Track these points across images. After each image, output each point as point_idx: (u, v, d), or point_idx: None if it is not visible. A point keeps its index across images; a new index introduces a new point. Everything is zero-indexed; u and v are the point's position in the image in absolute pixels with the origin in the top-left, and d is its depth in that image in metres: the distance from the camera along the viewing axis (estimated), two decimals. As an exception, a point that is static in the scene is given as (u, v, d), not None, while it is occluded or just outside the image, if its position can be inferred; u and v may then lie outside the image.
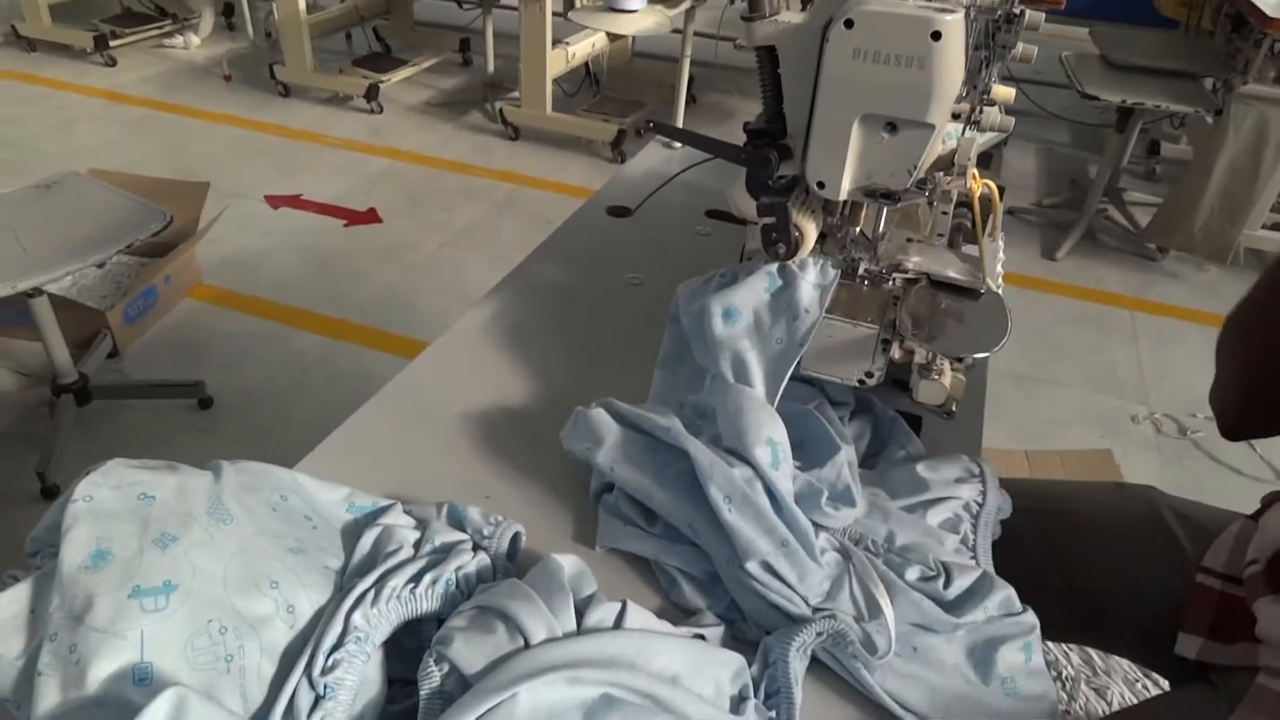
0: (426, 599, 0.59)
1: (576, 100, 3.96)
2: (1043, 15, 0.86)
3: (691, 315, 0.81)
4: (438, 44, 4.47)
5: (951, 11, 0.61)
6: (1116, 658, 1.66)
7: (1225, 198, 2.77)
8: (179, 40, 4.54)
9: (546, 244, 1.15)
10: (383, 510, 0.68)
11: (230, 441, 2.12)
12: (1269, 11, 2.56)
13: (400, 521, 0.66)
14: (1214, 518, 0.91)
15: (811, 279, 0.76)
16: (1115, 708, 1.58)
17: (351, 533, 0.65)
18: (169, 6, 4.58)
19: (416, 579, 0.60)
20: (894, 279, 0.79)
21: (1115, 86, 2.86)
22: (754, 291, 0.77)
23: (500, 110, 3.72)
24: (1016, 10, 0.81)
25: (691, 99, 4.14)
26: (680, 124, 3.53)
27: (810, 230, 0.75)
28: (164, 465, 0.61)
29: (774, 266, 0.78)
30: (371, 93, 3.86)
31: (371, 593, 0.58)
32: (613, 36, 3.66)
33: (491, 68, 4.06)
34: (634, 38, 4.25)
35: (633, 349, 0.94)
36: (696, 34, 3.59)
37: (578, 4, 3.92)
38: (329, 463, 0.79)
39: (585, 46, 3.60)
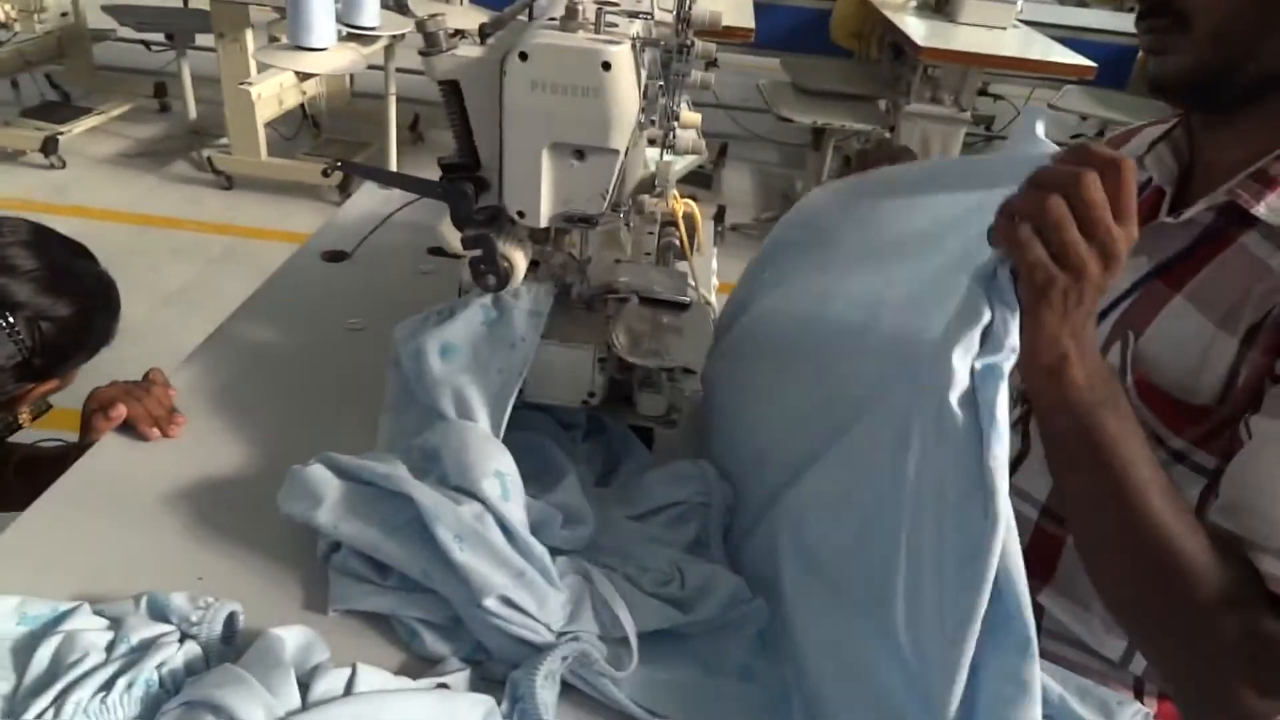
0: (121, 707, 0.52)
1: (296, 144, 3.76)
2: (715, 47, 0.93)
3: (410, 356, 0.78)
4: (127, 89, 4.07)
5: (618, 43, 0.65)
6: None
7: (907, 202, 3.16)
8: None
9: (254, 298, 1.08)
10: (65, 615, 0.59)
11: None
12: (919, 41, 2.96)
13: (87, 625, 0.58)
14: None
15: (525, 306, 0.77)
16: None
17: (26, 648, 0.57)
18: None
19: (108, 686, 0.53)
20: (606, 300, 0.82)
21: (806, 109, 3.17)
22: (469, 325, 0.76)
23: (209, 158, 3.45)
24: (688, 42, 0.87)
25: (419, 137, 4.09)
26: (395, 163, 3.44)
27: (519, 259, 0.76)
28: None
29: (488, 298, 0.77)
30: (49, 146, 3.44)
31: (50, 712, 0.50)
32: (303, 76, 3.48)
33: (194, 113, 3.76)
34: (351, 77, 4.11)
35: (358, 397, 0.90)
36: (414, 71, 3.54)
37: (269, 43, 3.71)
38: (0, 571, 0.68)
39: (273, 86, 3.37)
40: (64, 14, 3.82)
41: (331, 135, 3.87)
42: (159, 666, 0.55)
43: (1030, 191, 0.54)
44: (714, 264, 1.31)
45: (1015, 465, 0.84)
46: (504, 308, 0.77)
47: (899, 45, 3.33)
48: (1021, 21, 3.56)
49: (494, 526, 0.65)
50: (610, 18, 0.67)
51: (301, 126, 3.94)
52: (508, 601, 0.62)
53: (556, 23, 0.66)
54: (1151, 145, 0.78)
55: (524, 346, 0.75)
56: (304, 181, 3.49)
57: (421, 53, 0.67)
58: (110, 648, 0.57)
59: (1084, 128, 4.97)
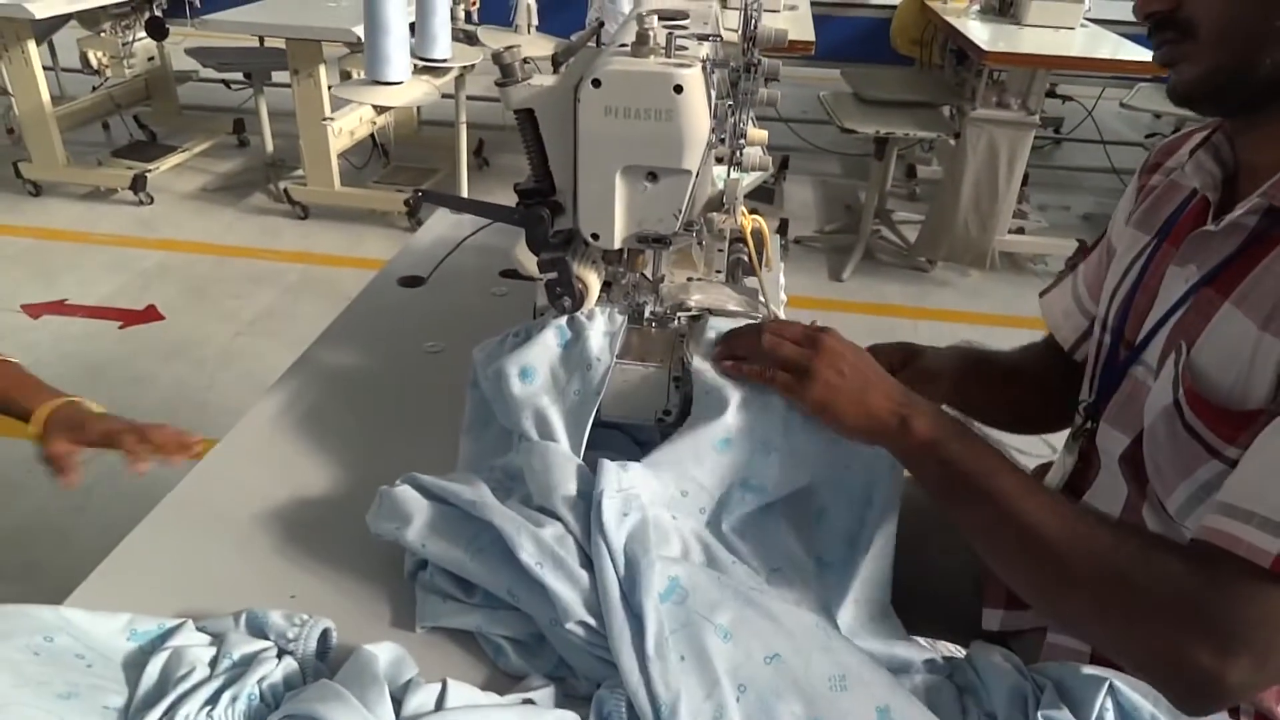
0: (227, 720, 0.55)
1: (367, 172, 3.88)
2: (780, 63, 0.93)
3: (489, 378, 0.80)
4: (208, 127, 4.26)
5: (689, 66, 0.66)
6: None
7: (975, 210, 3.10)
8: (-100, 144, 4.07)
9: (336, 324, 1.11)
10: (171, 631, 0.62)
11: None
12: (984, 46, 2.91)
13: (192, 640, 0.61)
14: None
15: (600, 328, 0.78)
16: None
17: (136, 663, 0.60)
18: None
19: (213, 700, 0.55)
20: (679, 318, 0.82)
21: (868, 119, 3.14)
22: (546, 347, 0.78)
23: (285, 190, 3.58)
24: (755, 60, 0.87)
25: (484, 162, 4.17)
26: (465, 188, 3.52)
27: (593, 281, 0.77)
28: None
29: (563, 320, 0.79)
30: (138, 183, 3.61)
31: (162, 725, 0.53)
32: (379, 108, 3.60)
33: (270, 147, 3.90)
34: (419, 106, 4.23)
35: (438, 419, 0.92)
36: (478, 98, 3.62)
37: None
38: (108, 589, 0.71)
39: (353, 121, 3.51)
40: (150, 58, 4.02)
41: (400, 163, 3.97)
42: (260, 681, 0.58)
43: (734, 349, 0.75)
44: (781, 278, 1.30)
45: (1082, 486, 0.83)
46: (579, 329, 0.78)
47: (962, 51, 3.28)
48: (1090, 20, 3.46)
49: (575, 549, 0.66)
50: (680, 41, 0.68)
51: (371, 155, 4.06)
52: (589, 624, 0.63)
53: (628, 48, 0.67)
54: (1192, 153, 0.76)
55: (599, 367, 0.76)
56: (376, 209, 3.60)
57: (498, 83, 0.69)
58: (213, 663, 0.59)
59: (1158, 126, 4.81)
